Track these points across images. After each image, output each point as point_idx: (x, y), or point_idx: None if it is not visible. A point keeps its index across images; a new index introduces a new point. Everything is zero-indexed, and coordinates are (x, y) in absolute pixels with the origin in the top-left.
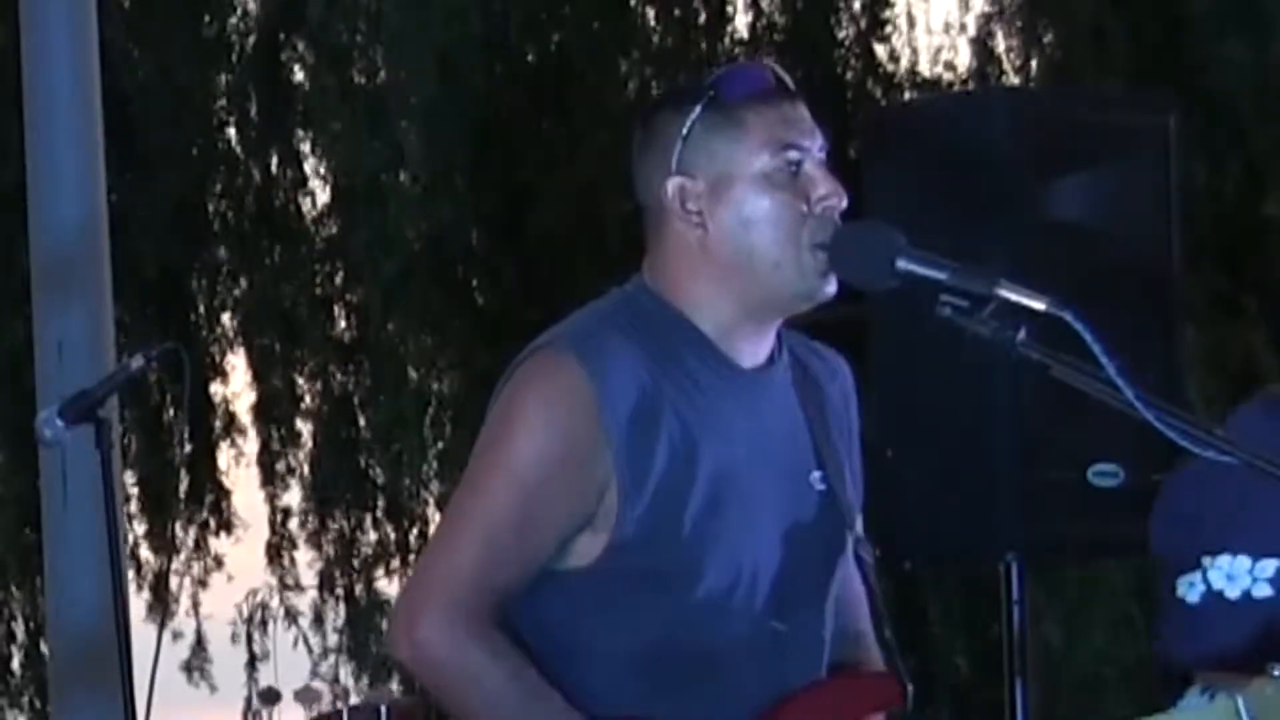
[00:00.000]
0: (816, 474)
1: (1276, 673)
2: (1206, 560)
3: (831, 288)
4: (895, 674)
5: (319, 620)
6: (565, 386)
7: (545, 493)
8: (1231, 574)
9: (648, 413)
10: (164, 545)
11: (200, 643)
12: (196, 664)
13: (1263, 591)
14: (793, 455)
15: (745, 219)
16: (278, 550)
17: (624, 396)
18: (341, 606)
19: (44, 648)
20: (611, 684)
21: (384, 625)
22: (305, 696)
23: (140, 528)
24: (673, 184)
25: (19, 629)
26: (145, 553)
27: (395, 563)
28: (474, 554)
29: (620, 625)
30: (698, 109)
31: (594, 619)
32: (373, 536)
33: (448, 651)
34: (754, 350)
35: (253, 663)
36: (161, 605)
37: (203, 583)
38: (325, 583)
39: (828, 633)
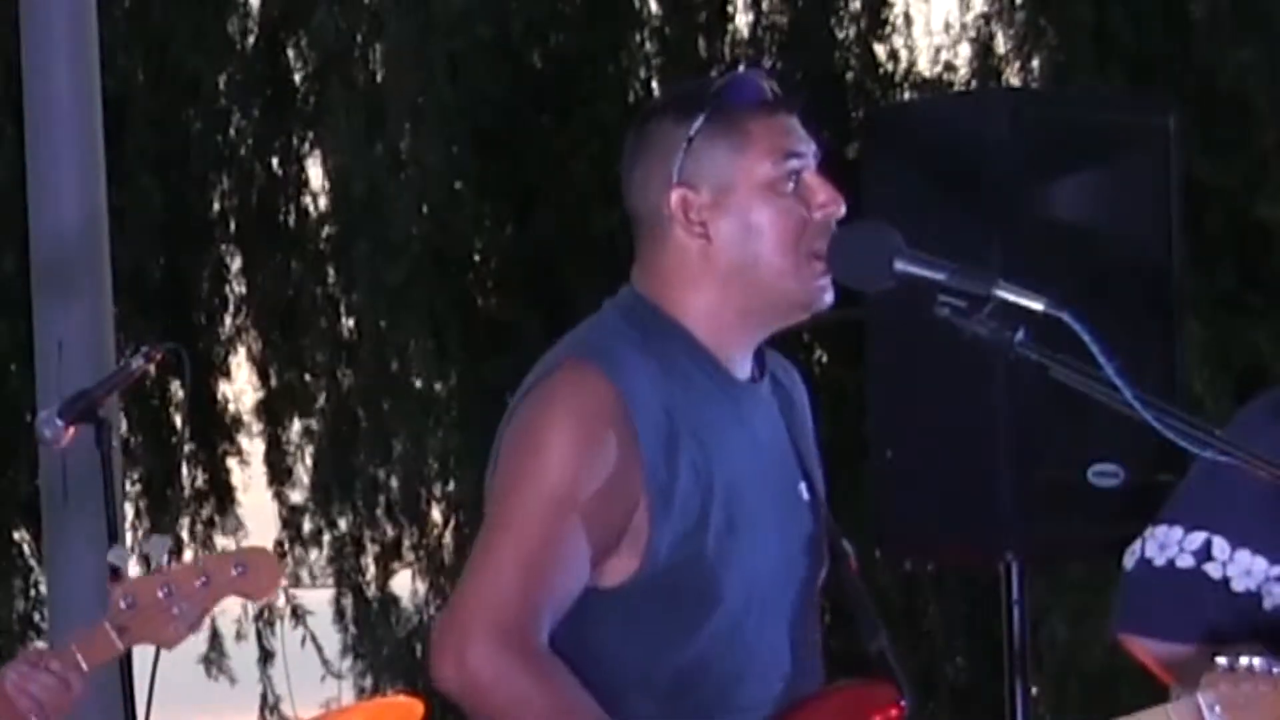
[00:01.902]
0: (802, 485)
1: (1222, 662)
2: (1148, 530)
3: (829, 297)
4: (893, 680)
5: (336, 618)
6: (599, 402)
7: (581, 511)
8: (1163, 543)
9: (671, 431)
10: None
11: (215, 638)
12: (215, 658)
13: (1185, 562)
14: (782, 468)
15: (749, 227)
16: (282, 550)
17: (652, 414)
18: (345, 606)
19: (20, 650)
20: (638, 708)
21: (389, 624)
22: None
23: (142, 527)
24: (676, 195)
25: None
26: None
27: (397, 563)
28: (516, 575)
29: (646, 649)
30: (700, 119)
31: (620, 643)
32: (374, 537)
33: (498, 676)
34: (744, 363)
35: (265, 659)
36: None
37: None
38: (330, 581)
39: (818, 635)
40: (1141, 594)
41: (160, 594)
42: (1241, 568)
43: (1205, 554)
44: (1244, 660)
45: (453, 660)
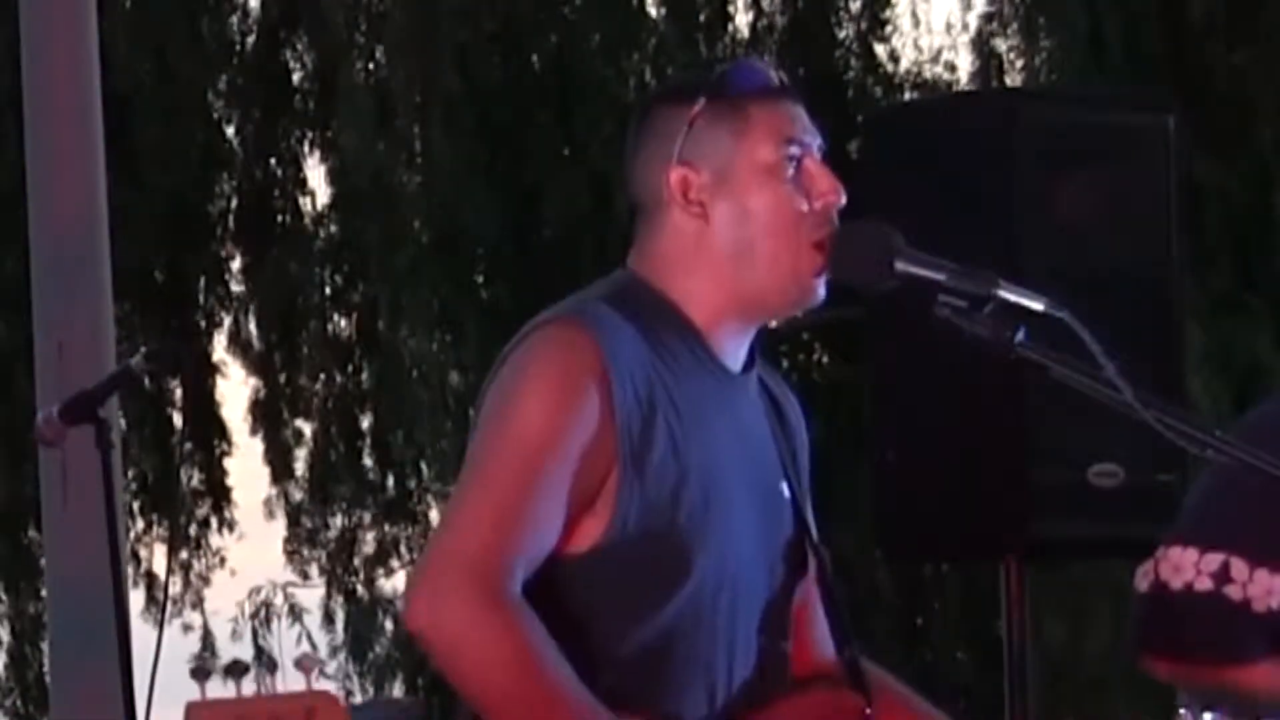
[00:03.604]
0: (784, 484)
1: (1184, 714)
2: (1160, 551)
3: (821, 293)
4: (859, 686)
5: (326, 618)
6: (580, 358)
7: (558, 462)
8: (1178, 565)
9: (649, 397)
10: (165, 543)
11: (207, 639)
12: (206, 659)
13: (1203, 585)
14: (765, 464)
15: (746, 211)
16: (281, 549)
17: (631, 377)
18: (344, 605)
19: (28, 651)
20: (603, 680)
21: (386, 624)
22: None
23: (140, 526)
24: (675, 174)
25: (4, 632)
26: (145, 551)
27: (397, 562)
28: (491, 522)
29: (614, 620)
30: (702, 101)
31: (588, 612)
32: (375, 535)
33: (469, 623)
34: (736, 353)
35: (259, 657)
36: (161, 604)
37: (206, 579)
38: (329, 581)
39: (789, 645)
40: (1161, 617)
41: None
42: (1262, 587)
43: (1224, 576)
44: (1208, 716)
45: (425, 606)
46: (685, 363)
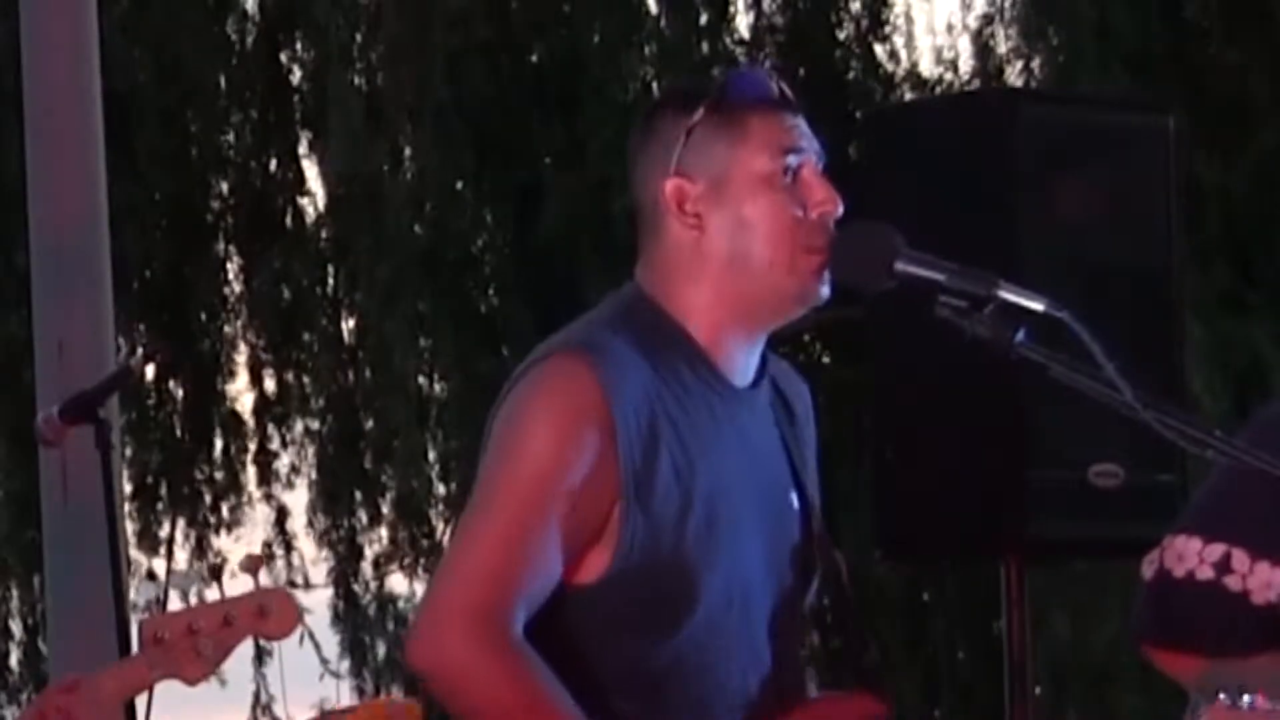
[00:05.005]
0: (793, 494)
1: (1224, 699)
2: (1166, 540)
3: (825, 291)
4: (877, 690)
5: (334, 619)
6: (582, 392)
7: (561, 501)
8: (1182, 554)
9: (652, 427)
10: (165, 544)
11: None
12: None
13: (1204, 574)
14: (774, 476)
15: (741, 220)
16: (280, 550)
17: (634, 408)
18: (345, 606)
19: (42, 646)
20: (616, 708)
21: (387, 625)
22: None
23: (138, 526)
24: (671, 184)
25: (16, 627)
26: (145, 553)
27: (396, 564)
28: (493, 565)
29: (624, 648)
30: (701, 111)
31: (598, 642)
32: (373, 537)
33: (470, 664)
34: (744, 367)
35: (260, 658)
36: (163, 601)
37: (207, 580)
38: (329, 582)
39: (802, 650)
40: (1162, 605)
41: (188, 631)
42: (1261, 580)
43: (1225, 566)
44: (1246, 699)
45: (427, 645)
46: (690, 385)
